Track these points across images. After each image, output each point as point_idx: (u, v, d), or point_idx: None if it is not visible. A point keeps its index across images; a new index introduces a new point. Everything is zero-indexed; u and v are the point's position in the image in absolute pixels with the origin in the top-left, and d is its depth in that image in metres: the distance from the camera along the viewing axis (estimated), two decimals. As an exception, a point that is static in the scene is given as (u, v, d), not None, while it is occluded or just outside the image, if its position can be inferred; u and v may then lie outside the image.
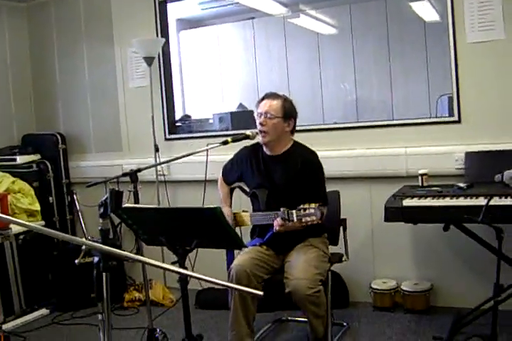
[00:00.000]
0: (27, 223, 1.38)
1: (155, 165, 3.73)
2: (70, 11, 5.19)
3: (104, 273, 2.01)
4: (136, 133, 4.87)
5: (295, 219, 2.87)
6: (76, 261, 1.94)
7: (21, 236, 4.43)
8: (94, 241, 2.05)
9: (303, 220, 2.85)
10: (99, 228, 2.03)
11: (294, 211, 2.87)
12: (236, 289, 1.94)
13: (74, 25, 5.16)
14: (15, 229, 4.31)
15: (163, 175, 4.58)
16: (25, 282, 4.40)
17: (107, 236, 2.03)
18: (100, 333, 2.10)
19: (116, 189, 2.06)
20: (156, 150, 4.48)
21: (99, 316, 2.11)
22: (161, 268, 1.33)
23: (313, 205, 2.85)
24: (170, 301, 4.43)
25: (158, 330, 3.61)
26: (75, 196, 5.12)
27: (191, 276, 1.39)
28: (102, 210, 2.05)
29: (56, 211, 5.03)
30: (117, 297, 4.40)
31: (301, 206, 2.87)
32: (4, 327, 3.95)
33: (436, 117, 4.19)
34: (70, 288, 4.46)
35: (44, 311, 4.43)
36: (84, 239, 1.40)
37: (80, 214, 5.08)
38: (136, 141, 4.88)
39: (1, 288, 4.19)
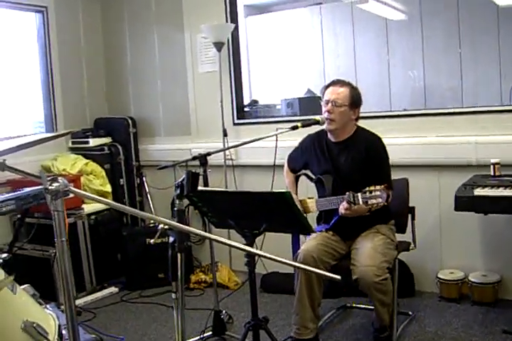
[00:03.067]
0: (121, 205, 1.40)
1: (224, 149, 3.76)
2: (141, -3, 5.27)
3: (179, 254, 2.05)
4: (205, 118, 4.92)
5: (361, 202, 2.85)
6: (151, 241, 1.99)
7: (93, 217, 4.57)
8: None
9: (369, 202, 2.82)
10: (175, 209, 2.06)
11: (359, 193, 2.86)
12: (313, 272, 1.94)
13: (145, 11, 5.24)
14: (87, 209, 4.46)
15: (231, 159, 4.62)
16: (96, 261, 4.54)
17: (182, 217, 2.07)
18: (174, 311, 2.15)
19: (193, 170, 2.10)
20: (225, 134, 4.52)
21: (173, 295, 2.16)
22: (241, 249, 1.36)
23: (378, 187, 2.82)
24: (235, 284, 4.50)
25: (223, 312, 3.69)
26: (144, 178, 5.25)
27: (270, 258, 1.40)
28: (178, 191, 2.09)
29: (126, 193, 5.17)
30: (185, 278, 4.49)
31: (367, 188, 2.85)
32: (76, 302, 4.09)
33: (509, 105, 4.07)
34: (138, 267, 4.59)
35: (113, 289, 4.57)
36: (165, 219, 1.43)
37: (148, 196, 5.21)
38: (205, 125, 4.94)
39: (74, 266, 4.34)
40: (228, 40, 4.67)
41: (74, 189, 1.43)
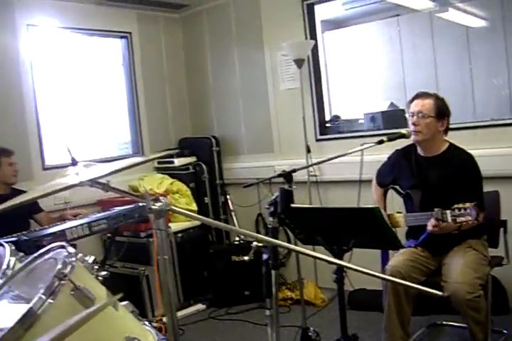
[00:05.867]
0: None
1: (309, 166, 3.75)
2: (221, 19, 5.40)
3: (273, 271, 2.05)
4: (287, 135, 4.96)
5: (449, 220, 2.78)
6: (246, 258, 2.00)
7: (179, 235, 4.66)
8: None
9: (457, 220, 2.76)
10: (269, 226, 2.08)
11: (448, 211, 2.79)
12: (413, 287, 1.89)
13: (225, 32, 5.37)
14: (174, 227, 4.55)
15: (315, 175, 4.62)
16: (183, 278, 4.62)
17: (276, 234, 2.07)
18: (268, 328, 2.16)
19: (286, 188, 2.11)
20: (308, 151, 4.53)
21: (267, 312, 2.17)
22: (345, 267, 1.35)
23: (467, 204, 2.75)
24: (321, 301, 4.47)
25: (311, 329, 3.66)
26: (228, 196, 5.31)
27: (368, 273, 1.39)
28: (272, 209, 2.10)
29: (211, 211, 5.25)
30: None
31: (456, 206, 2.79)
32: (164, 319, 4.16)
33: None
34: (225, 284, 4.64)
35: (200, 306, 4.63)
36: (263, 236, 1.45)
37: (233, 213, 5.27)
38: (287, 142, 4.96)
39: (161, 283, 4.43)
40: (308, 57, 4.70)
41: (175, 208, 1.49)
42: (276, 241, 1.41)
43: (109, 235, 4.22)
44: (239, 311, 4.47)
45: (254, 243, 2.00)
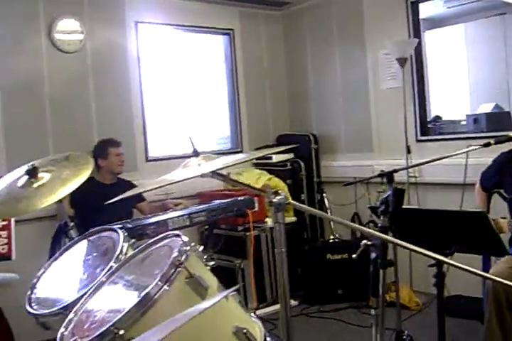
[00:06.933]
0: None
1: (411, 167, 3.70)
2: (322, 16, 5.40)
3: (381, 270, 2.04)
4: (387, 135, 4.89)
5: (557, 226, 2.67)
6: (353, 256, 2.00)
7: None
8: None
9: None
10: (379, 225, 2.06)
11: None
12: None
13: (326, 30, 5.36)
14: (270, 223, 4.60)
15: (415, 176, 4.53)
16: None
17: (387, 234, 2.05)
18: (373, 328, 2.16)
19: (399, 187, 2.09)
20: (408, 151, 4.45)
21: (373, 311, 2.16)
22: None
23: None
24: (415, 305, 4.38)
25: (406, 333, 3.60)
26: (324, 194, 5.31)
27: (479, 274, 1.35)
28: (383, 207, 2.08)
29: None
30: (363, 296, 4.46)
31: None
32: (258, 312, 4.22)
33: None
34: (318, 282, 4.64)
35: (293, 302, 4.64)
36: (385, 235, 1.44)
37: (329, 212, 5.25)
38: (387, 142, 4.90)
39: (256, 277, 4.50)
40: (411, 56, 4.61)
41: (294, 202, 1.52)
42: (397, 240, 1.39)
43: (206, 227, 4.31)
44: (331, 309, 4.46)
45: (363, 241, 1.99)
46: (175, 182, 1.51)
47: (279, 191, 1.49)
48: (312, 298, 4.65)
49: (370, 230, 1.50)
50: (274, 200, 1.50)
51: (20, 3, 4.20)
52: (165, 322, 1.25)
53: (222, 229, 4.50)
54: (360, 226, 1.53)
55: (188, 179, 1.45)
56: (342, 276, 4.57)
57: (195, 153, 1.60)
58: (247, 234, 4.37)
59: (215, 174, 1.48)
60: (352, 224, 1.58)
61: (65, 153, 2.36)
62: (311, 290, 4.69)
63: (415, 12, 4.77)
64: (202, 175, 1.45)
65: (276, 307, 4.52)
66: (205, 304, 1.22)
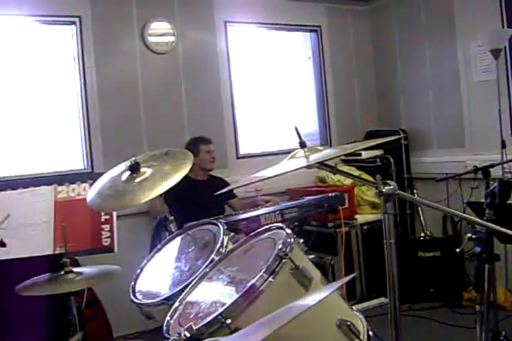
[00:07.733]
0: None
1: (506, 162, 3.58)
2: (410, 9, 5.31)
3: (486, 265, 2.00)
4: (480, 129, 4.75)
5: None
6: (457, 250, 1.96)
7: (365, 227, 4.67)
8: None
9: None
10: (485, 218, 2.02)
11: None
12: None
13: (414, 22, 5.26)
14: (360, 219, 4.58)
15: (510, 172, 4.37)
16: (367, 270, 4.63)
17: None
18: (477, 325, 2.11)
19: (506, 179, 2.04)
20: (503, 146, 4.30)
21: (477, 307, 2.11)
22: None
23: None
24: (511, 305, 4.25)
25: (503, 333, 3.48)
26: (415, 191, 5.22)
27: None
28: (488, 200, 2.03)
29: (397, 204, 5.18)
30: (456, 295, 4.37)
31: None
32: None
33: None
34: (408, 280, 4.56)
35: (383, 300, 4.59)
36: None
37: (419, 208, 5.16)
38: (480, 136, 4.76)
39: (346, 273, 4.48)
40: (505, 47, 4.46)
41: (403, 193, 1.52)
42: None
43: (296, 223, 4.33)
44: (423, 308, 4.38)
45: (468, 234, 1.95)
46: (278, 175, 1.52)
47: (389, 181, 1.49)
48: (403, 296, 4.56)
49: (489, 223, 1.46)
50: (384, 190, 1.50)
51: (115, 7, 4.36)
52: (271, 314, 1.27)
53: (313, 225, 4.51)
54: (492, 225, 1.48)
55: (295, 170, 1.47)
56: (434, 274, 4.49)
57: (302, 145, 1.61)
58: (338, 230, 4.37)
59: (322, 165, 1.50)
60: (469, 216, 1.55)
61: (165, 149, 2.42)
62: (401, 288, 4.59)
63: (509, 0, 4.61)
64: (308, 166, 1.46)
65: (367, 304, 4.50)
66: (317, 296, 1.23)
